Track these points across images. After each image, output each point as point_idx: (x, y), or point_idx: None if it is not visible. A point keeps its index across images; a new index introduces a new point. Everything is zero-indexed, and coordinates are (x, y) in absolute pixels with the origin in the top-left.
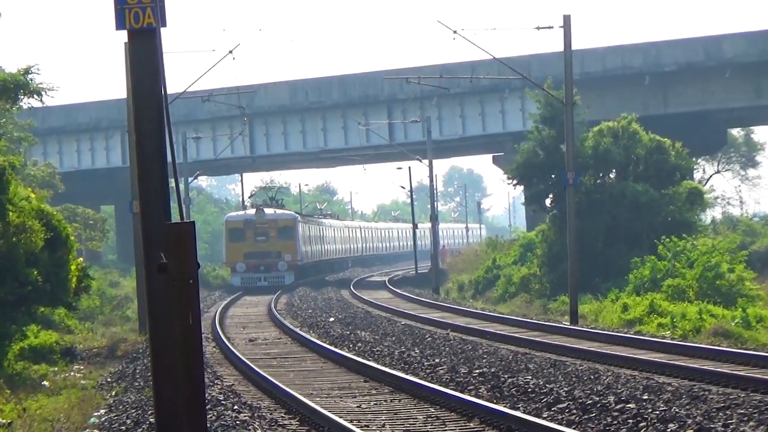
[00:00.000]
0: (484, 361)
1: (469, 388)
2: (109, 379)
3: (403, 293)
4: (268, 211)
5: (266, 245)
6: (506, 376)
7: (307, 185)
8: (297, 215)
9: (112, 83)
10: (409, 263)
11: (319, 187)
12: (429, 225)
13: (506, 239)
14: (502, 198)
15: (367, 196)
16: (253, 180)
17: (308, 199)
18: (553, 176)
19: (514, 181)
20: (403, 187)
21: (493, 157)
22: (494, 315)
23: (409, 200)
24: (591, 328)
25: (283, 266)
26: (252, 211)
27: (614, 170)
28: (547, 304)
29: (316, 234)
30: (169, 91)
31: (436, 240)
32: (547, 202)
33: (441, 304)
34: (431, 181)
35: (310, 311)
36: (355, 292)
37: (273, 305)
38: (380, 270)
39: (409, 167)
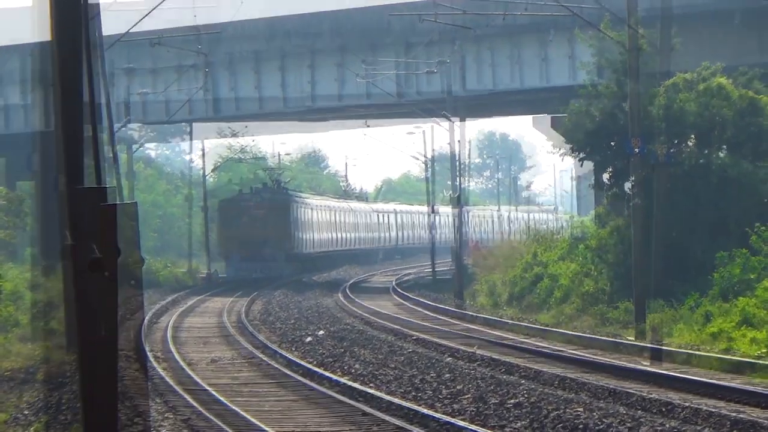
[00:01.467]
0: (521, 388)
1: (501, 424)
2: (26, 412)
3: (416, 299)
4: (264, 193)
5: (261, 232)
6: (550, 408)
7: (288, 154)
8: (294, 198)
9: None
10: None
11: (305, 156)
12: (451, 209)
13: (558, 230)
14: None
15: (368, 169)
16: (219, 148)
17: (290, 172)
18: (612, 145)
19: (573, 151)
20: (417, 158)
21: (533, 119)
22: (535, 326)
23: (423, 175)
24: (661, 343)
25: (279, 255)
26: (247, 195)
27: (693, 136)
28: (605, 312)
29: (325, 219)
30: (106, 32)
31: (459, 229)
32: (604, 177)
33: (466, 312)
34: (453, 149)
35: (291, 322)
36: (351, 296)
37: (244, 314)
38: (384, 269)
39: (423, 131)
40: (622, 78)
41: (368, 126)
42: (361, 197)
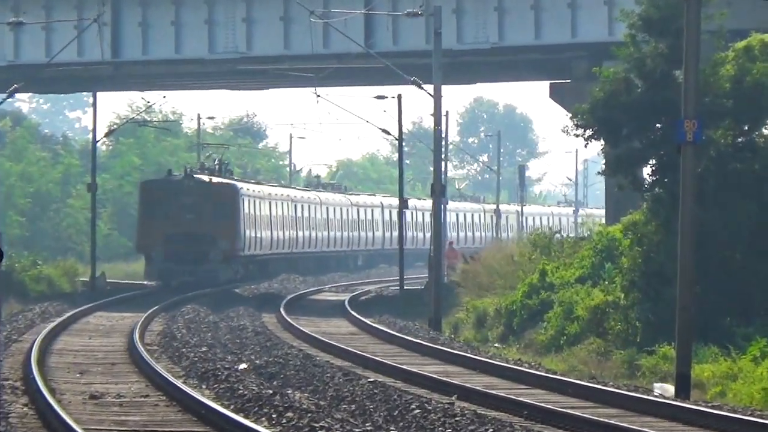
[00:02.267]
0: None
1: None
2: None
3: (375, 326)
4: (201, 178)
5: (196, 226)
6: None
7: (212, 118)
8: (239, 186)
9: None
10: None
11: (236, 124)
12: (429, 203)
13: (563, 237)
14: (566, 161)
15: (320, 146)
16: (117, 104)
17: (214, 142)
18: (658, 126)
19: (586, 132)
20: (387, 132)
21: (552, 86)
22: (539, 374)
23: (395, 155)
24: (714, 407)
25: (216, 256)
26: (178, 178)
27: None
28: (635, 357)
29: (284, 213)
30: None
31: (438, 230)
32: (645, 172)
33: (443, 348)
34: (438, 123)
35: (204, 349)
36: (287, 319)
37: (138, 335)
38: (337, 282)
39: (399, 95)
40: (675, 37)
41: (322, 86)
42: (311, 182)
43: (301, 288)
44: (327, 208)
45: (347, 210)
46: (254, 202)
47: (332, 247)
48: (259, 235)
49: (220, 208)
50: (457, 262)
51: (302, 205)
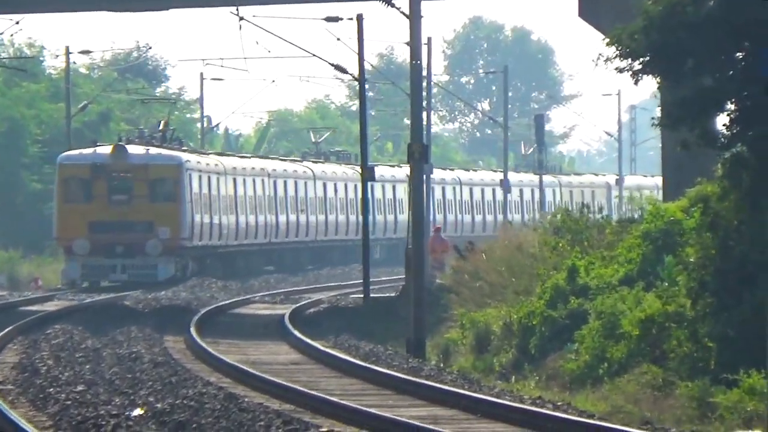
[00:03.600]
0: None
1: None
2: None
3: (328, 352)
4: (134, 150)
5: (129, 211)
6: None
7: (87, 53)
8: (183, 158)
9: None
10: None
11: (122, 60)
12: (405, 173)
13: (601, 219)
14: (602, 107)
15: (245, 91)
16: None
17: (90, 85)
18: (738, 56)
19: (634, 64)
20: (342, 70)
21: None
22: (569, 418)
23: (354, 104)
24: None
25: (154, 248)
26: (106, 150)
27: None
28: (708, 392)
29: (225, 192)
30: None
31: (419, 211)
32: (720, 123)
33: (428, 383)
34: (417, 56)
35: (80, 388)
36: (201, 343)
37: None
38: (273, 289)
39: (359, 15)
40: None
41: (242, 11)
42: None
43: (221, 297)
44: (324, 184)
45: (355, 186)
46: (207, 178)
47: (332, 234)
48: (214, 221)
49: (160, 188)
50: (446, 256)
51: (285, 182)
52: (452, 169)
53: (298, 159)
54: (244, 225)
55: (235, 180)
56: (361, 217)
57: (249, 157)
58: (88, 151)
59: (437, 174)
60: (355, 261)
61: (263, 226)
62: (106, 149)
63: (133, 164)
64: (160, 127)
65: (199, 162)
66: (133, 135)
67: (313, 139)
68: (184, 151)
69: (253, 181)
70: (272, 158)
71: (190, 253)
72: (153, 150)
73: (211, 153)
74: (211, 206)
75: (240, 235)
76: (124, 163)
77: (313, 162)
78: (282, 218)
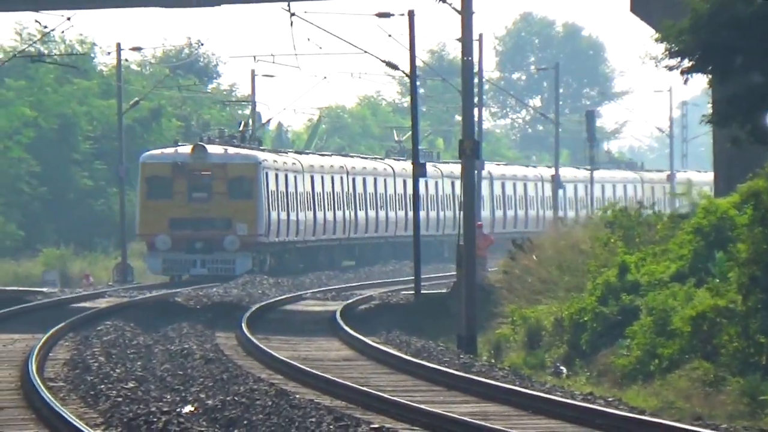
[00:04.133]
0: None
1: None
2: None
3: (380, 348)
4: (214, 149)
5: (208, 207)
6: None
7: (138, 50)
8: (260, 157)
9: None
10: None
11: (173, 57)
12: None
13: (653, 214)
14: (654, 103)
15: (296, 87)
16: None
17: (149, 82)
18: None
19: (684, 61)
20: (394, 66)
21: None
22: (621, 414)
23: (406, 100)
24: None
25: (232, 243)
26: (186, 149)
27: None
28: (760, 387)
29: (302, 189)
30: None
31: (470, 207)
32: None
33: (480, 379)
34: (468, 52)
35: (131, 385)
36: (252, 339)
37: (32, 366)
38: (326, 285)
39: (411, 12)
40: None
41: (293, 6)
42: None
43: (272, 294)
44: (404, 180)
45: (438, 183)
46: (285, 176)
47: (408, 230)
48: (291, 217)
49: (238, 186)
50: (486, 253)
51: (364, 179)
52: (504, 164)
53: (380, 157)
54: (322, 221)
55: (312, 177)
56: (433, 213)
57: (329, 155)
58: (170, 150)
59: (489, 169)
60: (435, 257)
61: (341, 222)
62: (186, 149)
63: (212, 163)
64: (240, 128)
65: (276, 161)
66: (214, 135)
67: (396, 138)
68: (263, 150)
69: (332, 178)
70: (353, 156)
71: (268, 249)
72: (231, 150)
73: (290, 152)
74: (288, 203)
75: (318, 231)
76: (204, 162)
77: (395, 160)
78: (361, 214)
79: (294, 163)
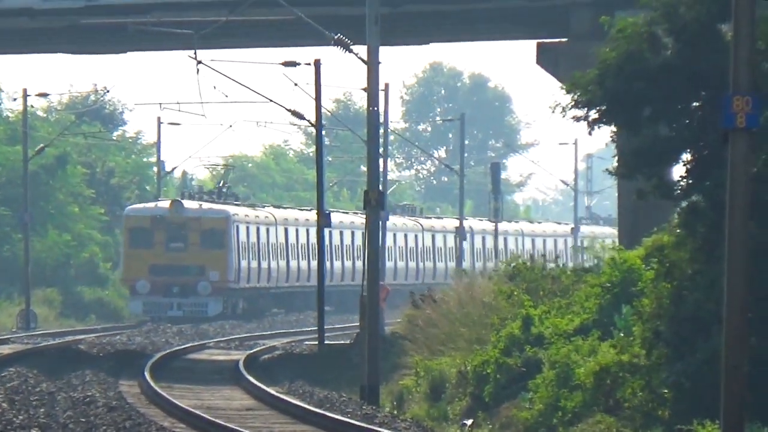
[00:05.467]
0: None
1: None
2: None
3: (283, 398)
4: (189, 204)
5: (184, 256)
6: None
7: (44, 95)
8: (230, 212)
9: None
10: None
11: (79, 103)
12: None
13: (557, 267)
14: (559, 155)
15: (201, 136)
16: None
17: (47, 128)
18: (695, 105)
19: (591, 112)
20: (300, 116)
21: (540, 46)
22: None
23: (311, 150)
24: None
25: (205, 288)
26: (165, 204)
27: None
28: None
29: (275, 240)
30: None
31: (374, 257)
32: (676, 172)
33: (382, 430)
34: (374, 102)
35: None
36: (155, 387)
37: None
38: (228, 335)
39: (317, 61)
40: None
41: (200, 55)
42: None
43: (176, 342)
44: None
45: (418, 236)
46: (256, 228)
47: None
48: (262, 265)
49: (210, 237)
50: (384, 304)
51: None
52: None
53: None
54: (295, 269)
55: (286, 229)
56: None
57: (308, 210)
58: (150, 204)
59: (393, 220)
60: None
61: (307, 270)
62: (165, 203)
63: (187, 217)
64: (220, 184)
65: (247, 215)
66: (193, 191)
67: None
68: (237, 205)
69: (297, 230)
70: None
71: (239, 294)
72: (205, 204)
73: (267, 206)
74: (259, 252)
75: (291, 278)
76: (180, 216)
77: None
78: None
79: (266, 216)
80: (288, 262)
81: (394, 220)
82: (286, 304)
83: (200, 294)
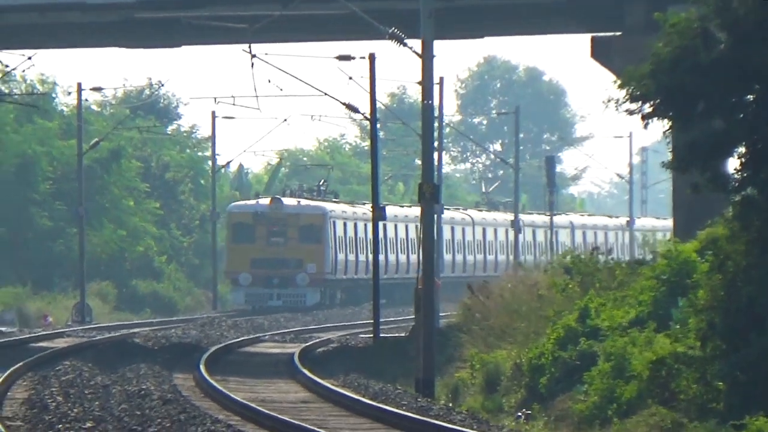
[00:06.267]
0: None
1: None
2: None
3: (338, 391)
4: (288, 201)
5: (283, 250)
6: None
7: (98, 90)
8: (327, 208)
9: None
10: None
11: (134, 98)
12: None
13: (613, 261)
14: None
15: (256, 129)
16: None
17: (109, 122)
18: (750, 98)
19: (644, 107)
20: (354, 109)
21: (595, 41)
22: None
23: (366, 143)
24: None
25: (303, 279)
26: (265, 201)
27: None
28: None
29: (362, 235)
30: None
31: (430, 250)
32: (731, 166)
33: (438, 423)
34: (429, 95)
35: (89, 425)
36: (210, 380)
37: None
38: (283, 328)
39: (372, 55)
40: None
41: (254, 49)
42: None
43: (230, 335)
44: (452, 227)
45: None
46: (353, 224)
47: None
48: (360, 258)
49: (308, 232)
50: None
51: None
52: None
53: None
54: (384, 262)
55: (386, 225)
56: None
57: (409, 206)
58: (251, 201)
59: (448, 214)
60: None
61: (404, 264)
62: (266, 200)
63: (287, 213)
64: (320, 183)
65: (344, 211)
66: (295, 189)
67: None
68: (336, 202)
69: (395, 226)
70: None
71: (336, 285)
72: (303, 201)
73: (367, 203)
74: (356, 246)
75: (390, 270)
76: (280, 213)
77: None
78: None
79: (364, 213)
80: (387, 255)
81: (450, 214)
82: (386, 295)
83: (299, 285)
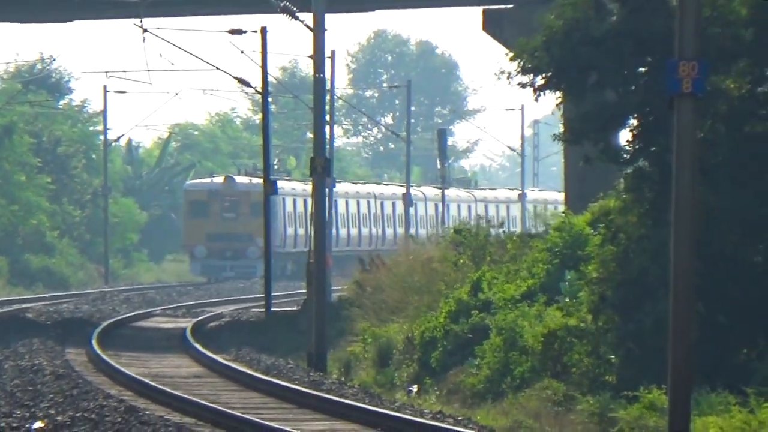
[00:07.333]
0: None
1: None
2: None
3: (230, 365)
4: (241, 180)
5: (235, 225)
6: None
7: None
8: (277, 186)
9: None
10: None
11: (25, 72)
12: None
13: (504, 234)
14: (506, 122)
15: (147, 104)
16: None
17: (1, 98)
18: (641, 70)
19: (536, 79)
20: (245, 83)
21: (486, 13)
22: None
23: (257, 117)
24: None
25: (253, 252)
26: (219, 179)
27: None
28: (609, 406)
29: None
30: None
31: (321, 224)
32: (623, 138)
33: (329, 397)
34: (320, 69)
35: None
36: (102, 355)
37: None
38: (174, 302)
39: (263, 28)
40: None
41: (146, 23)
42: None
43: (122, 310)
44: (382, 202)
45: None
46: (303, 201)
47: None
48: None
49: (258, 208)
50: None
51: (368, 201)
52: (355, 183)
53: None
54: (335, 236)
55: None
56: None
57: (361, 183)
58: (206, 180)
59: (340, 187)
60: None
61: (349, 237)
62: (219, 179)
63: (239, 191)
64: (274, 162)
65: (293, 189)
66: (247, 167)
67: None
68: (287, 179)
69: (347, 201)
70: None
71: (286, 257)
72: (255, 180)
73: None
74: (306, 221)
75: (341, 243)
76: (233, 190)
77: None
78: (353, 231)
79: (304, 189)
80: (338, 229)
81: (342, 187)
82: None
83: (249, 257)
